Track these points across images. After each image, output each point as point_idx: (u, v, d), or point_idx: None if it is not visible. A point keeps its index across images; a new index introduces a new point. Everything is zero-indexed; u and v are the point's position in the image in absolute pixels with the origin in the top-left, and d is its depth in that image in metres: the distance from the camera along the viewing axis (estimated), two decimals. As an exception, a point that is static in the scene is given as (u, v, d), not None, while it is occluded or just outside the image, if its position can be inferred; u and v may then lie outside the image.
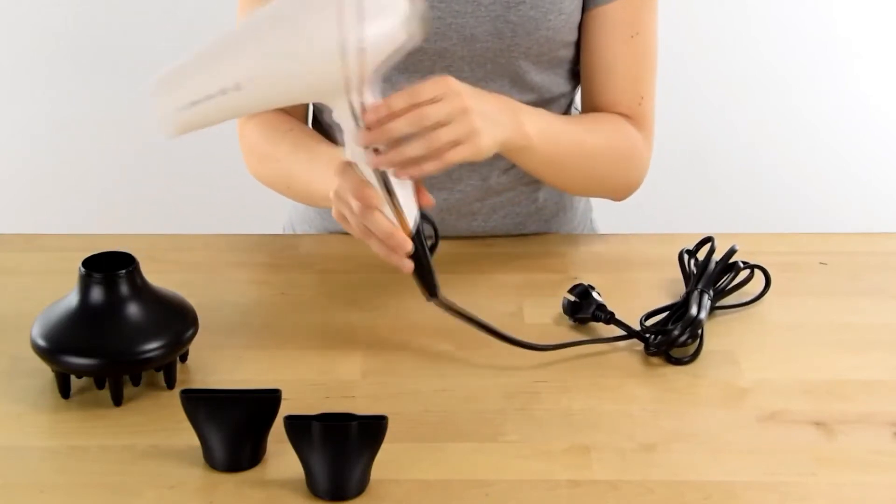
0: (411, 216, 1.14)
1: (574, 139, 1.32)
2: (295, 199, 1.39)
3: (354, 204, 1.13)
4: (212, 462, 1.03)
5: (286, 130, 1.36)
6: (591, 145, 1.34)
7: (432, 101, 1.11)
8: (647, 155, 1.40)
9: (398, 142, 1.11)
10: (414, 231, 1.14)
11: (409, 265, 1.15)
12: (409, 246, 1.13)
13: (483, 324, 1.18)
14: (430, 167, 1.12)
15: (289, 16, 1.05)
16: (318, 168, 1.28)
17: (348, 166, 1.13)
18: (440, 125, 1.11)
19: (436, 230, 1.18)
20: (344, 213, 1.16)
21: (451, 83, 1.13)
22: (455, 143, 1.13)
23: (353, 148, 1.11)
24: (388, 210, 1.13)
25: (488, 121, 1.16)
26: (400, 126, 1.10)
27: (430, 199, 1.16)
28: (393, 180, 1.12)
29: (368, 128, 1.09)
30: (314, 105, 1.48)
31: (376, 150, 1.10)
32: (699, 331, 1.19)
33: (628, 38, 1.36)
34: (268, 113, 1.39)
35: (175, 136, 1.04)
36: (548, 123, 1.28)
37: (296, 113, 1.41)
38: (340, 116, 1.10)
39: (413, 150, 1.11)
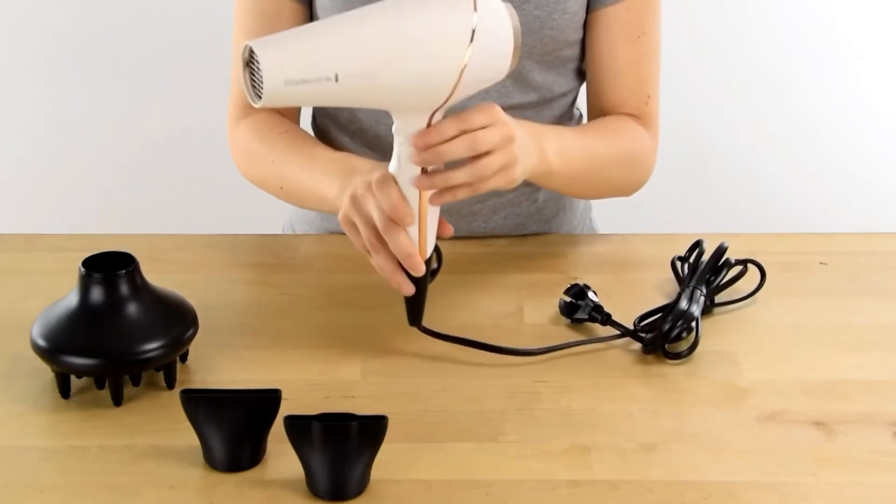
0: (431, 243, 1.14)
1: (589, 153, 1.32)
2: (286, 201, 1.38)
3: (378, 216, 1.12)
4: (212, 462, 1.03)
5: (282, 132, 1.36)
6: (605, 156, 1.34)
7: (482, 127, 1.11)
8: (654, 153, 1.41)
9: (445, 166, 1.11)
10: (427, 257, 1.15)
11: (411, 288, 1.14)
12: (423, 271, 1.13)
13: (469, 341, 1.18)
14: (463, 194, 1.12)
15: (414, 41, 1.05)
16: (314, 171, 1.28)
17: (390, 178, 1.12)
18: (488, 153, 1.12)
19: (440, 257, 1.18)
20: (354, 220, 1.15)
21: (496, 111, 1.13)
22: (497, 172, 1.13)
23: (403, 164, 1.11)
24: (412, 231, 1.13)
25: (523, 151, 1.16)
26: (456, 149, 1.10)
27: (449, 229, 1.16)
28: (428, 205, 1.12)
29: (418, 149, 1.09)
30: (314, 106, 1.48)
31: (423, 171, 1.11)
32: (692, 324, 1.19)
33: (634, 39, 1.36)
34: (261, 114, 1.39)
35: (264, 105, 1.02)
36: (565, 142, 1.28)
37: (289, 115, 1.41)
38: (403, 130, 1.10)
39: (460, 176, 1.11)
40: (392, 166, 1.12)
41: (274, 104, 1.03)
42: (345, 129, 1.43)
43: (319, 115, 1.48)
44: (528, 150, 1.19)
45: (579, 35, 1.38)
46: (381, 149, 1.39)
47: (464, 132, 1.10)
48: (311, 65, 1.02)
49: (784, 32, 2.47)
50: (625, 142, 1.37)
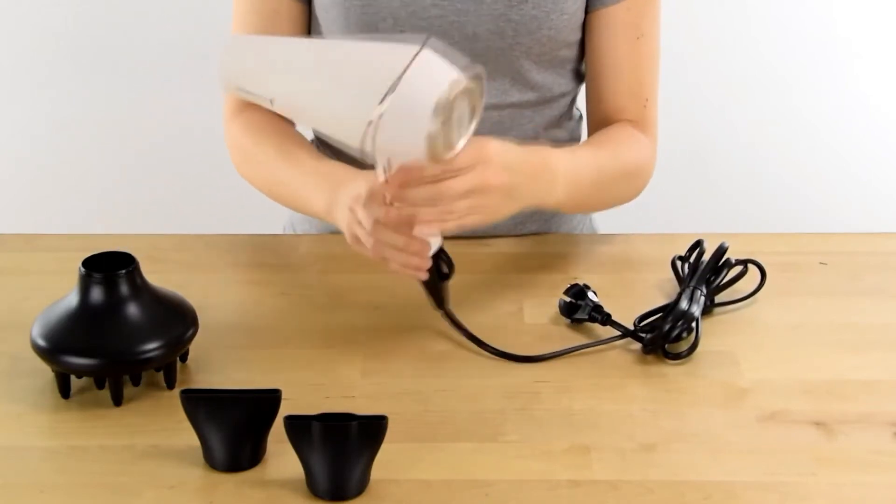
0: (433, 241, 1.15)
1: (599, 178, 1.30)
2: (280, 203, 1.39)
3: (366, 219, 1.12)
4: (212, 462, 1.03)
5: (272, 133, 1.36)
6: (611, 177, 1.33)
7: (459, 170, 1.10)
8: (653, 161, 1.40)
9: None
10: (435, 251, 1.15)
11: (424, 274, 1.15)
12: (422, 251, 1.13)
13: (478, 340, 1.18)
14: (431, 230, 1.13)
15: (337, 87, 1.07)
16: (302, 180, 1.28)
17: (377, 196, 1.12)
18: (458, 198, 1.11)
19: (451, 264, 1.17)
20: (357, 234, 1.15)
21: (486, 153, 1.11)
22: (464, 216, 1.12)
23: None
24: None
25: (510, 197, 1.15)
26: (420, 196, 1.09)
27: None
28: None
29: (390, 185, 1.09)
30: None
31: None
32: (692, 324, 1.19)
33: (633, 40, 1.36)
34: (255, 112, 1.39)
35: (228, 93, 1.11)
36: (577, 174, 1.26)
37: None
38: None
39: (426, 215, 1.11)
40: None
41: (236, 96, 1.08)
42: (343, 129, 1.43)
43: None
44: (521, 195, 1.17)
45: (578, 36, 1.38)
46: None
47: (441, 175, 1.09)
48: (252, 83, 1.10)
49: (784, 32, 2.47)
50: (629, 156, 1.36)
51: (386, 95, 1.02)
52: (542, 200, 1.22)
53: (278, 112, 1.10)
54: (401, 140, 1.05)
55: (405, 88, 1.02)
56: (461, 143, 1.07)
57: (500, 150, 1.14)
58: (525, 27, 1.32)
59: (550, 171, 1.22)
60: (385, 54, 1.05)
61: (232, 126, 1.40)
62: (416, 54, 1.03)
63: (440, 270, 1.16)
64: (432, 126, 1.03)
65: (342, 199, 1.19)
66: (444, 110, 1.03)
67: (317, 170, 1.28)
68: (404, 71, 1.02)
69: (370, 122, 1.03)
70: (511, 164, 1.15)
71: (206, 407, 1.01)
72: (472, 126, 1.08)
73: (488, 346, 1.18)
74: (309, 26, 1.39)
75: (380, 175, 1.10)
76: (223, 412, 1.01)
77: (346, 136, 1.06)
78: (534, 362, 1.17)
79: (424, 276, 1.16)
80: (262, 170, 1.35)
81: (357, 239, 1.16)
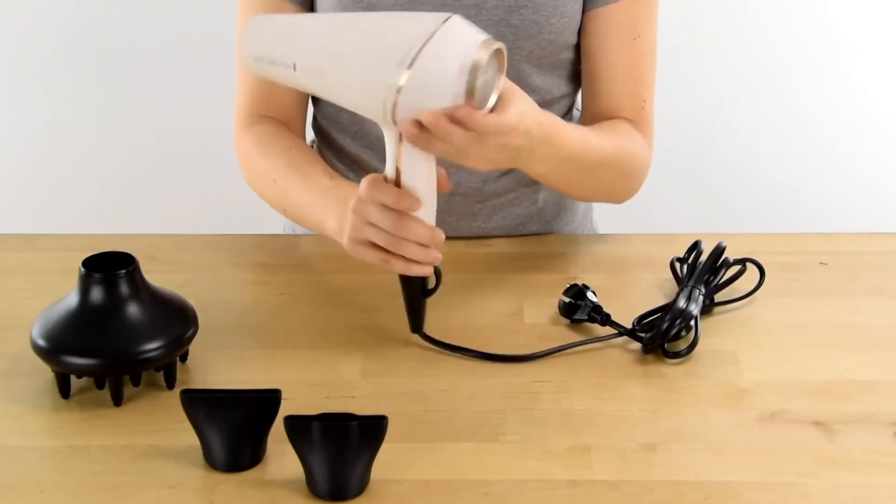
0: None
1: (596, 158, 1.29)
2: (289, 219, 1.38)
3: (385, 217, 1.11)
4: (212, 462, 1.03)
5: (285, 148, 1.34)
6: (609, 162, 1.32)
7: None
8: (649, 160, 1.40)
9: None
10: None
11: (428, 269, 1.14)
12: (443, 239, 1.13)
13: (468, 349, 1.18)
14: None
15: (362, 51, 1.07)
16: (312, 198, 1.27)
17: (377, 179, 1.12)
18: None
19: (439, 277, 1.16)
20: (365, 236, 1.14)
21: (511, 123, 1.09)
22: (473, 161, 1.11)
23: (406, 158, 1.11)
24: (425, 212, 1.12)
25: (515, 157, 1.14)
26: (460, 137, 1.07)
27: (446, 186, 1.14)
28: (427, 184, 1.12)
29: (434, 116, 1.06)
30: (314, 106, 1.48)
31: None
32: (691, 322, 1.19)
33: (630, 41, 1.36)
34: (266, 125, 1.38)
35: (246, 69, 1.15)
36: (578, 144, 1.24)
37: (294, 125, 1.40)
38: (384, 134, 1.11)
39: (437, 148, 1.09)
40: (388, 169, 1.12)
41: (254, 73, 1.14)
42: (346, 131, 1.43)
43: (320, 115, 1.48)
44: (524, 157, 1.16)
45: (577, 38, 1.38)
46: (381, 149, 1.38)
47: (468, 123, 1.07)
48: (275, 48, 1.10)
49: (784, 32, 2.48)
50: (630, 151, 1.35)
51: (414, 60, 1.04)
52: (534, 166, 1.20)
53: (299, 81, 1.09)
54: (428, 103, 1.05)
55: (433, 52, 1.04)
56: (490, 104, 1.08)
57: (525, 111, 1.12)
58: (525, 31, 1.32)
59: (551, 142, 1.19)
60: (411, 21, 1.07)
61: (243, 138, 1.39)
62: (446, 20, 1.05)
63: (425, 284, 1.16)
64: (459, 87, 1.04)
65: (347, 213, 1.17)
66: (473, 72, 1.04)
67: (325, 187, 1.27)
68: (432, 35, 1.04)
69: (399, 89, 1.04)
70: (531, 128, 1.13)
71: (206, 407, 1.01)
72: (496, 91, 1.08)
73: (475, 351, 1.18)
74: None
75: (390, 172, 1.11)
76: (223, 412, 1.01)
77: (368, 101, 1.07)
78: (528, 361, 1.17)
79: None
80: (274, 186, 1.34)
81: (360, 243, 1.15)
